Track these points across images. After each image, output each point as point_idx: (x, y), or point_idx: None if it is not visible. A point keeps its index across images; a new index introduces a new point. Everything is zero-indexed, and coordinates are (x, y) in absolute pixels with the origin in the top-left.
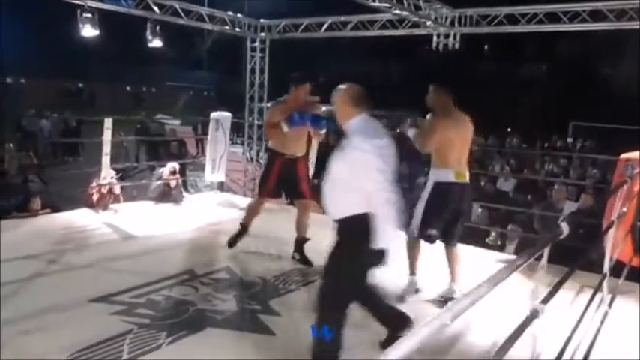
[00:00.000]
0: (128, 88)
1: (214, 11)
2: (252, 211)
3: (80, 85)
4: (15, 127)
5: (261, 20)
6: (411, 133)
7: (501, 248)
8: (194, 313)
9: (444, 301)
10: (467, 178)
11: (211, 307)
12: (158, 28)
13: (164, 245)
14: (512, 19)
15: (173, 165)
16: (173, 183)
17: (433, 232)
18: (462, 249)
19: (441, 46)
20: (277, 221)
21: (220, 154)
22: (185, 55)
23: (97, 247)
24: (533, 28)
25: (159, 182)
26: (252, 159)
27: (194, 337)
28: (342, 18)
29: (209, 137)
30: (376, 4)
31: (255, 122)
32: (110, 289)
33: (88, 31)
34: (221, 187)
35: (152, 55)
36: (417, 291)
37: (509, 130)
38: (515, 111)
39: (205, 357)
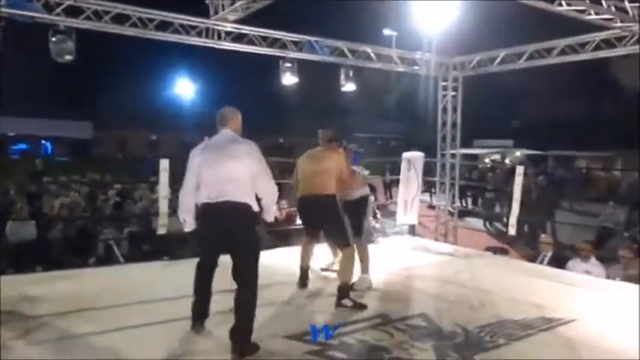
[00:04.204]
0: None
1: (404, 52)
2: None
3: (281, 140)
4: None
5: (455, 59)
6: None
7: None
8: None
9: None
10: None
11: (408, 357)
12: (351, 73)
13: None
14: None
15: None
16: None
17: None
18: None
19: None
20: (474, 268)
21: (413, 194)
22: (373, 104)
23: (294, 284)
24: None
25: None
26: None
27: None
28: (545, 44)
29: (401, 177)
30: (592, 17)
31: (448, 162)
32: (304, 327)
33: (288, 79)
34: (412, 231)
35: (341, 108)
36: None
37: None
38: None
39: None
